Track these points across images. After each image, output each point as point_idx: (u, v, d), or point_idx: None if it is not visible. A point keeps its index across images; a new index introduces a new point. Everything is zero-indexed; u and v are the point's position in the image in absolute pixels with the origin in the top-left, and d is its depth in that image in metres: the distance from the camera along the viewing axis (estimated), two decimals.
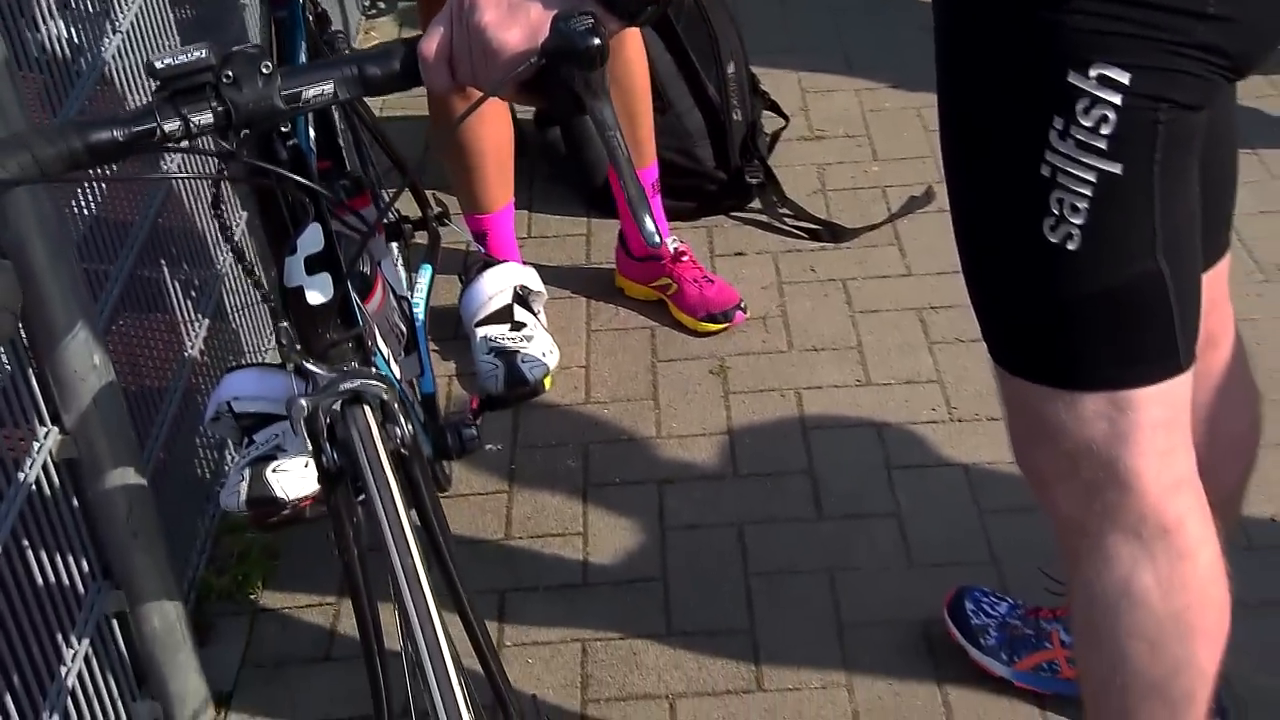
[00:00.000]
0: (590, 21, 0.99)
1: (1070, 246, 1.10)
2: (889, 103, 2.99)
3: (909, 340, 2.34)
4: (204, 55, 1.04)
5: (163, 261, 1.95)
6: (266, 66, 1.06)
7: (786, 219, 2.65)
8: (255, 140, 1.09)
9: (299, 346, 1.20)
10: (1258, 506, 1.83)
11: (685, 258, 2.42)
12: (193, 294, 2.03)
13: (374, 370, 1.22)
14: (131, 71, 1.87)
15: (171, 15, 2.05)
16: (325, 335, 1.21)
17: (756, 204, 2.68)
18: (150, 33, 1.94)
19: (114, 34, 1.84)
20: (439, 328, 2.26)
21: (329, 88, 1.08)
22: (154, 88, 1.05)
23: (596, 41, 0.99)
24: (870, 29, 3.27)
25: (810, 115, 2.98)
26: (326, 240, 1.20)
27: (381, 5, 3.51)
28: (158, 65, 1.04)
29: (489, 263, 2.26)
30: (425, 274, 1.73)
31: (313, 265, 1.20)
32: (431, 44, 1.05)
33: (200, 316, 2.04)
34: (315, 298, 1.20)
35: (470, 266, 2.27)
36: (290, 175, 1.12)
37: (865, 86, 3.05)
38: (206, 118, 1.05)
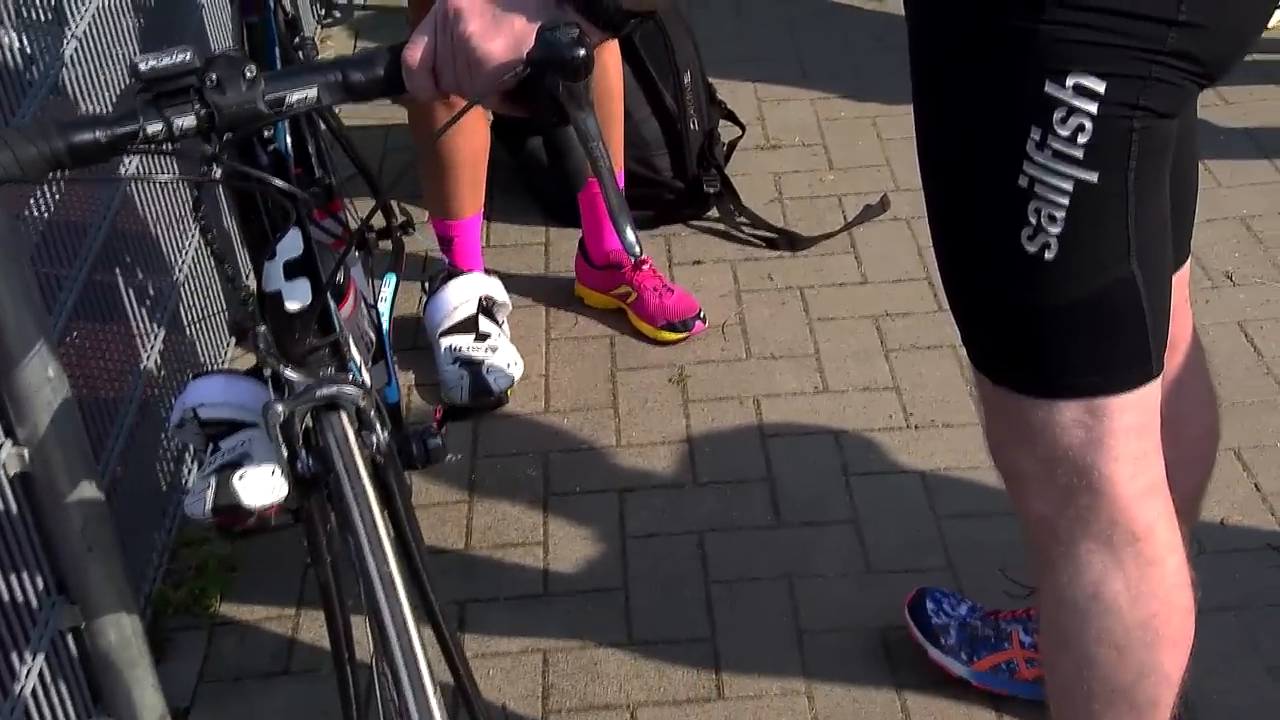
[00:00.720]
0: (575, 32, 1.00)
1: (1048, 256, 1.11)
2: (844, 112, 3.02)
3: (866, 347, 2.36)
4: (188, 58, 1.04)
5: (118, 269, 1.93)
6: (250, 70, 1.05)
7: (744, 227, 2.66)
8: (237, 144, 1.09)
9: (275, 351, 1.20)
10: (1208, 510, 1.86)
11: (645, 266, 2.43)
12: (149, 303, 2.01)
13: (350, 376, 1.22)
14: (87, 80, 1.85)
15: (127, 21, 2.03)
16: (303, 341, 1.21)
17: (714, 213, 2.69)
18: (105, 40, 1.92)
19: (68, 41, 1.82)
20: (398, 337, 2.26)
21: (312, 93, 1.07)
22: (137, 89, 1.05)
23: (582, 52, 0.99)
24: (825, 39, 3.30)
25: (766, 124, 3.00)
26: (305, 245, 1.20)
27: (336, 14, 3.49)
28: (141, 67, 1.03)
29: (453, 273, 2.26)
30: (390, 283, 1.73)
31: (291, 270, 1.20)
32: (416, 51, 1.05)
33: (156, 326, 2.02)
34: (294, 303, 1.19)
35: (434, 276, 2.27)
36: (273, 180, 1.11)
37: (820, 96, 3.08)
38: (189, 120, 1.04)
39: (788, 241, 2.62)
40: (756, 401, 2.27)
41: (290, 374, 1.18)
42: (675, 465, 2.15)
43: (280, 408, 1.14)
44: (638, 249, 1.01)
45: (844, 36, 3.27)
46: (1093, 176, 1.09)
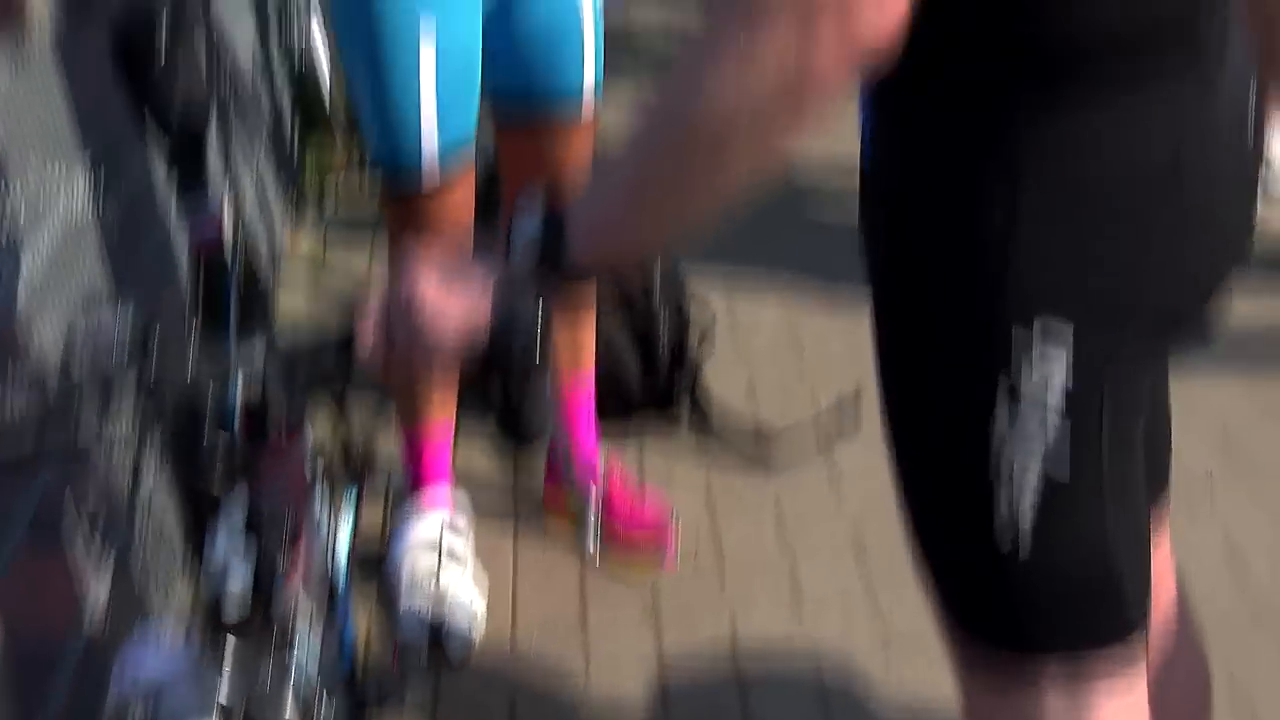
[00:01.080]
0: (533, 293, 0.97)
1: (1022, 555, 1.07)
2: (817, 308, 3.01)
3: (843, 565, 2.30)
4: (126, 338, 1.01)
5: (63, 507, 1.86)
6: (191, 344, 1.03)
7: (716, 439, 2.62)
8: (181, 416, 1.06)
9: (217, 629, 1.14)
10: None
11: (613, 479, 2.36)
12: (95, 544, 1.94)
13: (295, 656, 1.16)
14: (44, 305, 1.81)
15: (89, 235, 2.01)
16: (246, 620, 1.15)
17: (687, 420, 2.65)
18: (64, 266, 1.90)
19: (25, 270, 1.79)
20: (362, 548, 2.17)
21: (259, 373, 1.05)
22: (67, 385, 1.01)
23: (540, 318, 0.97)
24: (798, 232, 3.31)
25: (738, 321, 2.99)
26: (249, 514, 1.15)
27: (307, 218, 3.49)
28: (73, 357, 1.01)
29: (415, 508, 2.20)
30: (349, 505, 1.66)
31: (234, 544, 1.14)
32: (369, 325, 1.03)
33: (102, 569, 1.94)
34: (235, 584, 1.14)
35: (398, 505, 2.21)
36: (212, 469, 1.08)
37: (793, 291, 3.07)
38: (123, 428, 1.01)
39: (760, 454, 2.57)
40: (732, 622, 2.19)
41: (230, 655, 1.13)
42: (647, 705, 2.06)
43: (222, 700, 1.10)
44: (595, 558, 0.98)
45: (816, 231, 3.29)
46: (1065, 430, 1.04)
